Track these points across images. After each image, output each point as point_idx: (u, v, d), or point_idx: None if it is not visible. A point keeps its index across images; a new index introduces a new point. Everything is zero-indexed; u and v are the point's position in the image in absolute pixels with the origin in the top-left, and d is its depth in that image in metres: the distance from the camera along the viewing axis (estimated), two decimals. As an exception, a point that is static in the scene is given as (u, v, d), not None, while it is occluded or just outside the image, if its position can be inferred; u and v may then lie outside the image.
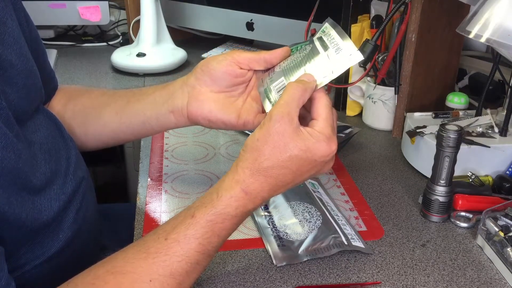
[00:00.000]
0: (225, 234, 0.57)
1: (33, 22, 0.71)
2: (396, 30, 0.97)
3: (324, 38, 0.63)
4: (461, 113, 0.94)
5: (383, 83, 1.02)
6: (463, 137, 0.77)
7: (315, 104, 0.59)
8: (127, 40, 1.54)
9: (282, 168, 0.56)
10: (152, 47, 1.33)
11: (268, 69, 0.68)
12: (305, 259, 0.66)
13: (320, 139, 0.56)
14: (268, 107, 0.63)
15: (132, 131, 0.75)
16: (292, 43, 0.69)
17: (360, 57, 0.59)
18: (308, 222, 0.72)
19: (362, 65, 0.97)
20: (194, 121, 0.71)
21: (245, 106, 0.70)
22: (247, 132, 0.99)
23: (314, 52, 0.63)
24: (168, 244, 0.53)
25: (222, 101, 0.69)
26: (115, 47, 1.49)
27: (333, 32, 0.62)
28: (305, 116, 0.62)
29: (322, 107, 0.59)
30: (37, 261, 0.59)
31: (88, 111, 0.76)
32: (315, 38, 0.65)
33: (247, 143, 0.57)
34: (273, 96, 0.63)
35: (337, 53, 0.60)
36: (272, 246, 0.69)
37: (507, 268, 0.64)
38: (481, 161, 0.82)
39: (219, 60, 0.67)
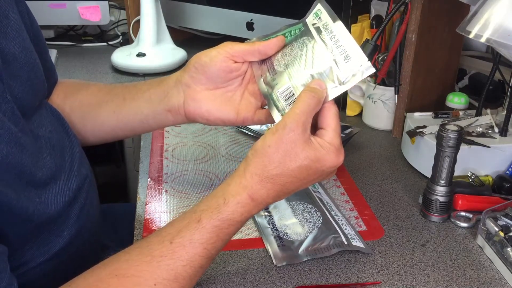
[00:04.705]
0: (228, 238, 0.57)
1: (33, 15, 0.70)
2: (396, 30, 0.98)
3: (324, 33, 0.61)
4: (461, 113, 0.94)
5: (383, 83, 1.02)
6: (463, 137, 0.77)
7: (324, 114, 0.59)
8: (127, 40, 1.54)
9: (290, 177, 0.56)
10: (152, 47, 1.33)
11: (265, 61, 0.67)
12: (305, 259, 0.66)
13: (330, 150, 0.56)
14: (276, 115, 0.62)
15: (130, 128, 0.75)
16: (284, 26, 0.67)
17: (371, 69, 0.58)
18: (308, 222, 0.72)
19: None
20: (192, 119, 0.71)
21: (244, 102, 0.69)
22: (247, 132, 0.99)
23: (318, 55, 0.61)
24: (173, 248, 0.53)
25: (220, 99, 0.69)
26: (115, 47, 1.49)
27: (334, 27, 0.60)
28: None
29: (331, 117, 0.58)
30: (41, 258, 0.59)
31: (85, 108, 0.76)
32: (312, 28, 0.63)
33: (256, 147, 0.57)
34: (281, 104, 0.62)
35: (346, 62, 0.59)
36: (272, 246, 0.69)
37: (507, 268, 0.64)
38: (481, 161, 0.82)
39: (212, 56, 0.66)
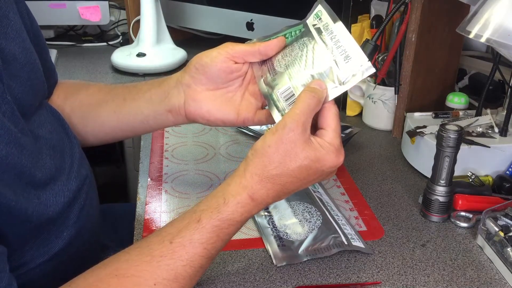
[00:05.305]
0: (228, 238, 0.57)
1: (33, 15, 0.70)
2: (396, 30, 0.98)
3: (325, 33, 0.61)
4: (461, 113, 0.94)
5: (383, 83, 1.02)
6: (463, 137, 0.77)
7: (324, 114, 0.59)
8: (127, 40, 1.54)
9: (290, 177, 0.56)
10: (152, 47, 1.33)
11: (265, 62, 0.67)
12: (305, 259, 0.66)
13: (330, 150, 0.56)
14: (276, 115, 0.62)
15: (130, 129, 0.75)
16: (284, 27, 0.67)
17: (371, 70, 0.58)
18: (308, 222, 0.72)
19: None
20: (192, 120, 0.71)
21: (244, 103, 0.69)
22: (247, 132, 0.99)
23: (318, 55, 0.61)
24: (173, 248, 0.53)
25: (220, 100, 0.69)
26: (115, 47, 1.49)
27: (334, 28, 0.60)
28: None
29: (331, 117, 0.58)
30: (41, 259, 0.59)
31: (85, 108, 0.76)
32: (312, 29, 0.63)
33: (256, 147, 0.57)
34: (281, 104, 0.62)
35: (346, 62, 0.59)
36: (272, 246, 0.69)
37: (507, 268, 0.64)
38: (481, 161, 0.82)
39: (213, 57, 0.66)
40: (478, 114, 0.91)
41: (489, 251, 0.68)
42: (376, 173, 0.89)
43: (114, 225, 0.91)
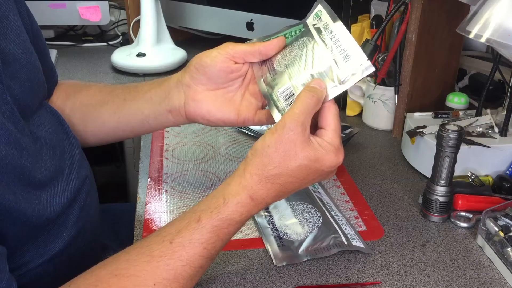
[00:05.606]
0: (228, 238, 0.57)
1: (33, 16, 0.70)
2: (396, 30, 0.98)
3: (325, 33, 0.62)
4: (461, 113, 0.94)
5: (383, 83, 1.02)
6: (463, 137, 0.77)
7: (324, 113, 0.59)
8: (127, 40, 1.54)
9: (290, 177, 0.56)
10: (152, 47, 1.33)
11: (265, 62, 0.67)
12: (305, 259, 0.66)
13: (329, 150, 0.56)
14: (276, 115, 0.62)
15: (131, 129, 0.75)
16: (284, 27, 0.67)
17: (371, 68, 0.58)
18: (308, 222, 0.72)
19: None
20: (192, 120, 0.71)
21: (244, 103, 0.69)
22: (247, 132, 0.99)
23: (318, 55, 0.61)
24: (173, 248, 0.53)
25: (220, 100, 0.69)
26: (115, 47, 1.49)
27: (334, 27, 0.60)
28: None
29: (331, 117, 0.58)
30: (41, 259, 0.59)
31: (86, 109, 0.76)
32: (312, 29, 0.63)
33: (256, 147, 0.57)
34: (281, 104, 0.62)
35: (346, 61, 0.59)
36: (272, 246, 0.69)
37: (507, 268, 0.64)
38: (481, 161, 0.82)
39: (213, 57, 0.66)
40: (478, 114, 0.91)
41: (489, 251, 0.68)
42: (376, 173, 0.89)
43: (114, 225, 0.91)
